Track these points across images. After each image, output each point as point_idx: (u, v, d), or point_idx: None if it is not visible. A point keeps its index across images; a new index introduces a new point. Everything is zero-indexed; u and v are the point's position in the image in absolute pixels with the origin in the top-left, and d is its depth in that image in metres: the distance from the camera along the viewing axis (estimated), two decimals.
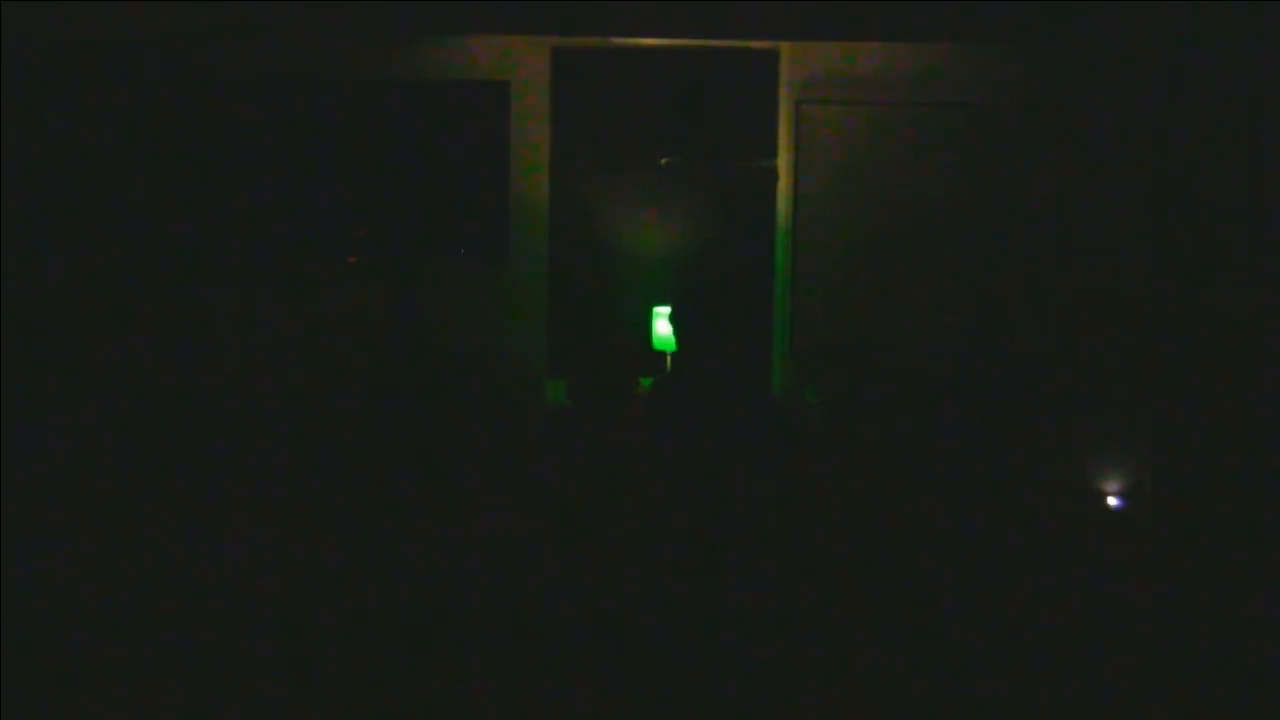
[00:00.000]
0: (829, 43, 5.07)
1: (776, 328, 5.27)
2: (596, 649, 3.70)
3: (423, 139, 5.05)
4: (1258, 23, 4.74)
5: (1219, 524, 4.56)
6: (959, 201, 5.13)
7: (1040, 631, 3.81)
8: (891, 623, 3.83)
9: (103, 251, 4.90)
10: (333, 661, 3.67)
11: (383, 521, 4.36)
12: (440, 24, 4.83)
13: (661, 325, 4.96)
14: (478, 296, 5.11)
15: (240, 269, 5.01)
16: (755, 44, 5.12)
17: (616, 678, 3.53)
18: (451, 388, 4.95)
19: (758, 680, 3.24)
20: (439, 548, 4.24)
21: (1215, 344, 4.95)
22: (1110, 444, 4.97)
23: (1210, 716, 3.53)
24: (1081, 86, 5.11)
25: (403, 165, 5.06)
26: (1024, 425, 4.67)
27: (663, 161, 5.18)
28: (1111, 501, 4.88)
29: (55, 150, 4.86)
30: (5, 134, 4.76)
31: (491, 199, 5.09)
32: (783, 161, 5.20)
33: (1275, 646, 3.84)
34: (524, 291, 5.14)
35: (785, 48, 5.13)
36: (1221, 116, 5.06)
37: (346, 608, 3.95)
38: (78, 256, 4.88)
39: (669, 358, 5.02)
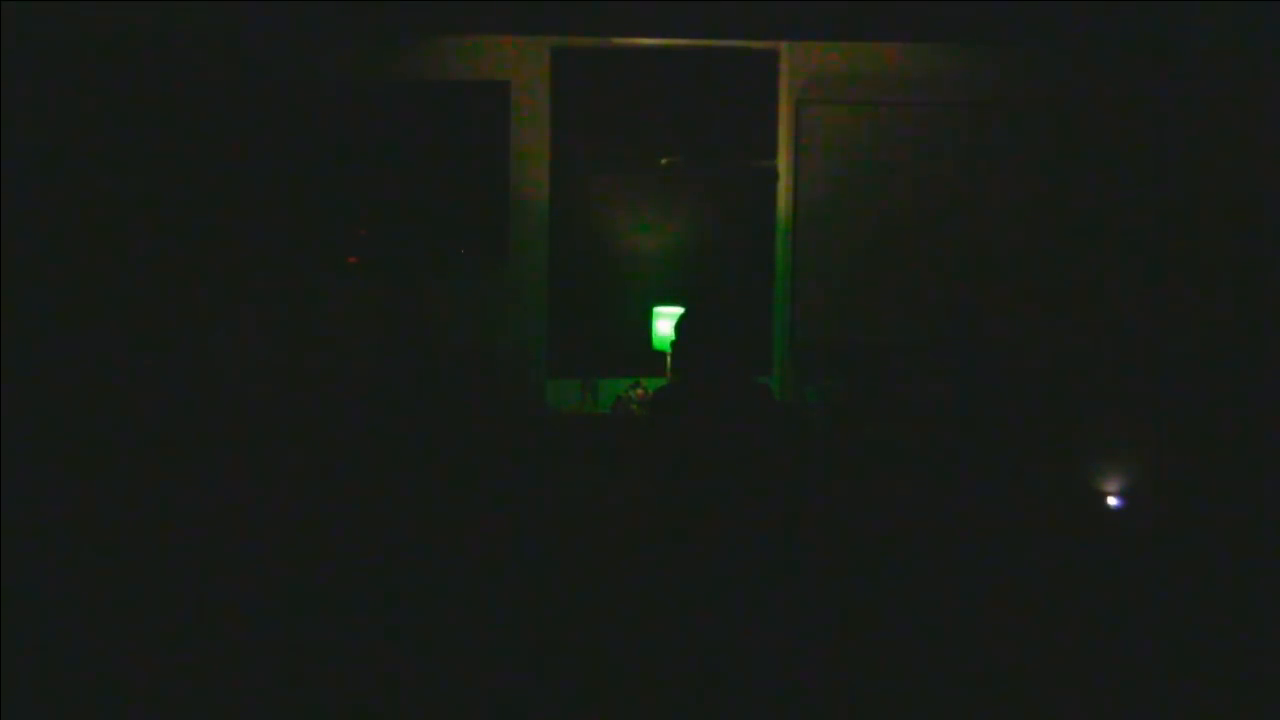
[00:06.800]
0: (829, 43, 5.07)
1: (776, 328, 5.26)
2: (596, 648, 3.70)
3: (423, 139, 5.05)
4: (1258, 23, 4.74)
5: (1219, 524, 4.57)
6: (959, 201, 5.13)
7: (1040, 631, 3.81)
8: (892, 622, 3.83)
9: (103, 251, 4.90)
10: (331, 661, 3.67)
11: (382, 521, 4.36)
12: (440, 24, 4.83)
13: (662, 325, 4.96)
14: (478, 296, 5.11)
15: (240, 268, 5.01)
16: (755, 44, 5.12)
17: (616, 677, 3.53)
18: (451, 388, 4.95)
19: (759, 680, 3.24)
20: (439, 547, 4.24)
21: (1215, 344, 4.95)
22: (1110, 444, 4.97)
23: (1210, 716, 3.53)
24: (1081, 86, 5.11)
25: (403, 165, 5.05)
26: (1024, 425, 4.67)
27: (663, 161, 5.18)
28: (1111, 501, 4.88)
29: (55, 150, 4.86)
30: (5, 134, 4.76)
31: (491, 199, 5.09)
32: (783, 161, 5.20)
33: (1275, 646, 3.84)
34: (524, 291, 5.14)
35: (785, 48, 5.13)
36: (1221, 116, 5.06)
37: (346, 607, 3.95)
38: (78, 256, 4.88)
39: (669, 358, 5.02)
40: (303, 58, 4.99)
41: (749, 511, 3.20)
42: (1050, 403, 4.86)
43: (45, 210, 4.86)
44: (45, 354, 4.80)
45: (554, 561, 4.14)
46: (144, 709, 3.43)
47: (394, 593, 4.01)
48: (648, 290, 5.17)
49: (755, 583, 3.22)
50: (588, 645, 3.73)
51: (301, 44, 4.98)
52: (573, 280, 5.22)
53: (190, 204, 4.96)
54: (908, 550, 3.96)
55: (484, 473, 4.62)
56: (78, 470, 4.53)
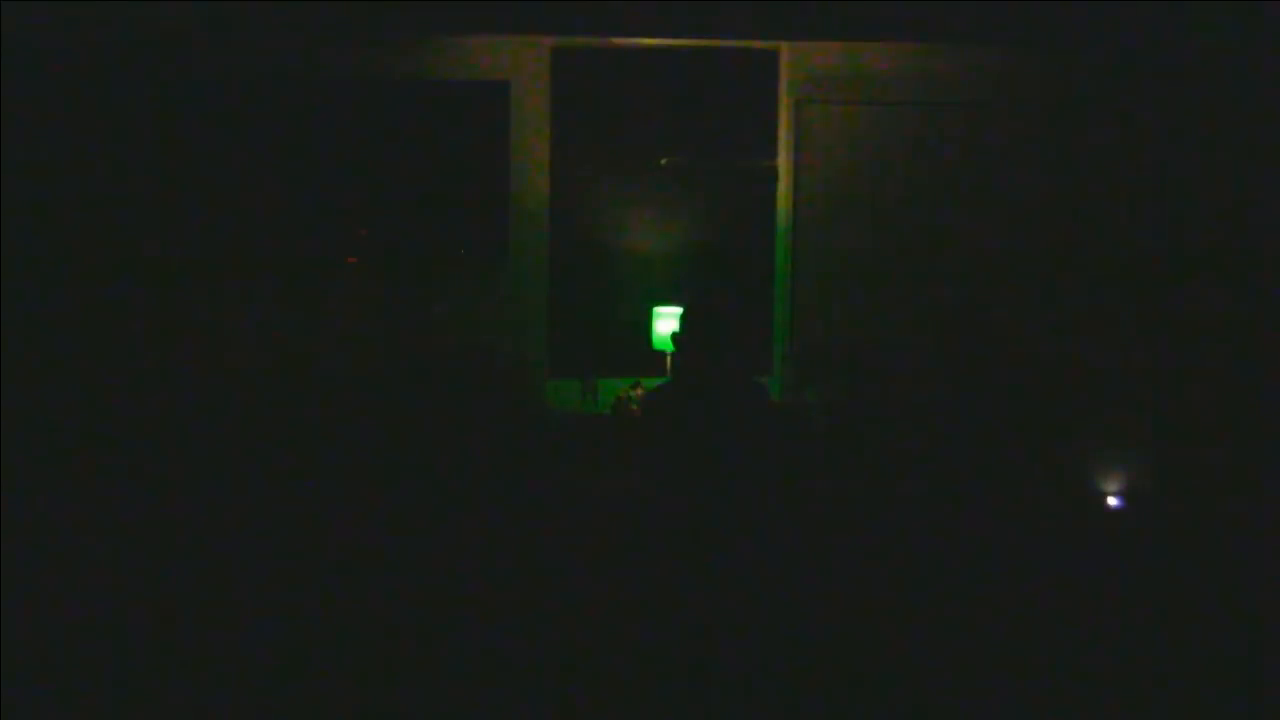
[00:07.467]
0: (829, 43, 5.07)
1: (776, 327, 5.26)
2: (596, 647, 3.70)
3: (423, 139, 5.05)
4: (1258, 23, 4.74)
5: (1219, 524, 4.57)
6: (958, 201, 5.13)
7: (1040, 631, 3.82)
8: (891, 622, 3.83)
9: (103, 251, 4.90)
10: (332, 661, 3.67)
11: (383, 521, 4.37)
12: (440, 24, 4.83)
13: (662, 325, 4.96)
14: (478, 296, 5.11)
15: (240, 268, 5.01)
16: (755, 44, 5.12)
17: (616, 676, 3.53)
18: (451, 388, 4.95)
19: (757, 678, 3.24)
20: (438, 547, 4.25)
21: (1215, 344, 4.95)
22: (1110, 444, 4.97)
23: (1210, 716, 3.53)
24: (1081, 86, 5.11)
25: (403, 165, 5.05)
26: (1024, 425, 4.67)
27: (663, 161, 5.18)
28: (1111, 501, 4.88)
29: (55, 150, 4.86)
30: (5, 134, 4.76)
31: (491, 199, 5.09)
32: (783, 161, 5.20)
33: (1275, 646, 3.85)
34: (524, 291, 5.14)
35: (785, 48, 5.13)
36: (1221, 116, 5.06)
37: (346, 608, 3.95)
38: (78, 256, 4.88)
39: (669, 358, 5.02)
40: (303, 57, 4.99)
41: (747, 511, 3.21)
42: (1050, 403, 4.86)
43: (44, 210, 4.86)
44: (46, 354, 4.80)
45: (553, 561, 4.14)
46: (145, 709, 3.43)
47: (394, 593, 4.02)
48: (648, 290, 5.17)
49: (753, 582, 3.22)
50: (588, 645, 3.73)
51: (301, 44, 4.98)
52: (573, 280, 5.22)
53: (189, 204, 4.96)
54: (906, 551, 3.96)
55: (484, 473, 4.62)
56: (79, 470, 4.54)
